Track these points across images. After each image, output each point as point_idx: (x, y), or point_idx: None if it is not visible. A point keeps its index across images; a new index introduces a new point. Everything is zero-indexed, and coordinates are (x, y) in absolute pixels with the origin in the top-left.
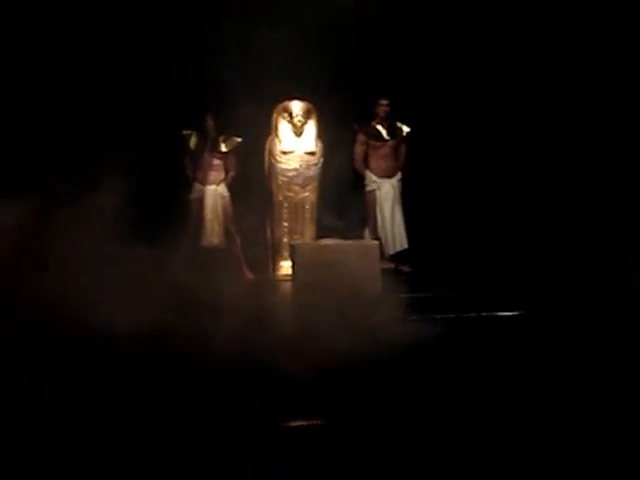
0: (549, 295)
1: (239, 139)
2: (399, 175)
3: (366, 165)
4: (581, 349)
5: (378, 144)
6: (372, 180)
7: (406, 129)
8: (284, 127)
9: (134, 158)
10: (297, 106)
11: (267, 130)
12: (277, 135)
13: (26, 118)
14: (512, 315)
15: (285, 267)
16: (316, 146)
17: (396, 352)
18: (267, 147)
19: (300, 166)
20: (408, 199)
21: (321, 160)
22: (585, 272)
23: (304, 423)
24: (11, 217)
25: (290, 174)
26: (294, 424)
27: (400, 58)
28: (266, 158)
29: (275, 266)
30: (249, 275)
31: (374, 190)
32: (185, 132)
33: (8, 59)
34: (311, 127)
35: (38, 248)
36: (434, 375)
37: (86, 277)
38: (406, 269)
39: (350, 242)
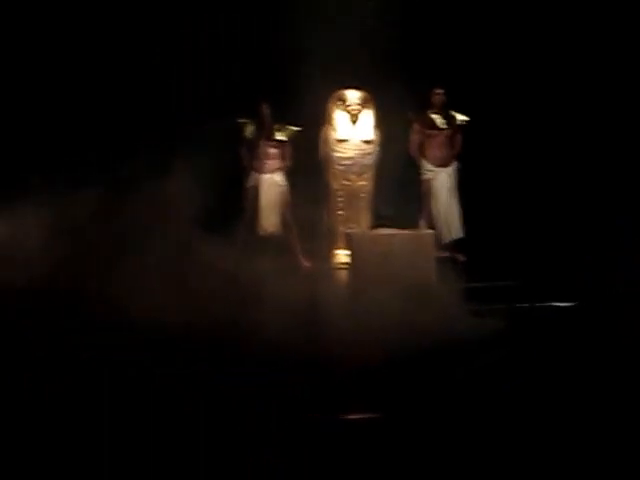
0: (604, 286)
1: (295, 128)
2: (455, 164)
3: (422, 154)
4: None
5: (434, 133)
6: (428, 169)
7: (461, 118)
8: (339, 115)
9: (190, 148)
10: (352, 95)
11: (323, 119)
12: (332, 123)
13: (88, 106)
14: (567, 306)
15: (341, 255)
16: (374, 135)
17: (451, 343)
18: (322, 136)
19: (356, 154)
20: (464, 188)
21: (377, 149)
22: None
23: (363, 416)
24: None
25: (346, 162)
26: (353, 417)
27: (457, 46)
28: (321, 147)
29: (331, 254)
30: (305, 263)
31: (430, 179)
32: (241, 121)
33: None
34: (368, 116)
35: (102, 235)
36: (489, 366)
37: (143, 266)
38: (461, 258)
39: (406, 231)
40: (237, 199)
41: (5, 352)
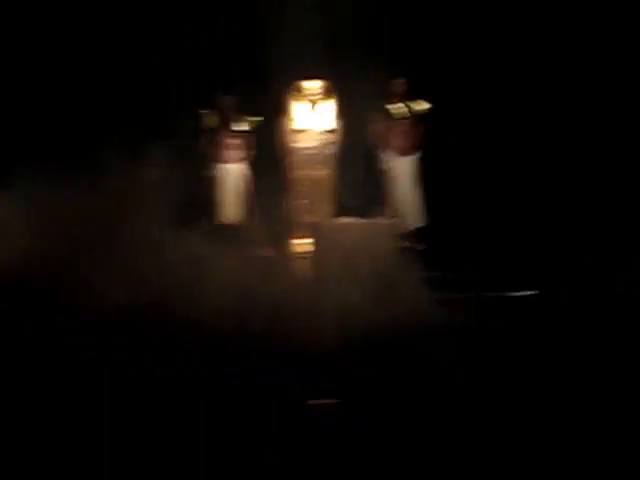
0: (563, 275)
1: (258, 118)
2: (417, 153)
3: (384, 143)
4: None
5: (396, 122)
6: (389, 158)
7: (424, 106)
8: (297, 106)
9: (155, 138)
10: (310, 84)
11: (284, 109)
12: (288, 114)
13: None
14: (526, 295)
15: (303, 244)
16: (336, 124)
17: (412, 331)
18: (279, 127)
19: (318, 144)
20: (426, 177)
21: (340, 138)
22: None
23: (323, 402)
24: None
25: (308, 152)
26: (313, 403)
27: (420, 36)
28: (278, 138)
29: (292, 243)
30: (267, 252)
31: (391, 168)
32: (202, 111)
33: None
34: (330, 105)
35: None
36: (449, 354)
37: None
38: (420, 247)
39: (368, 220)
40: (200, 189)
41: None
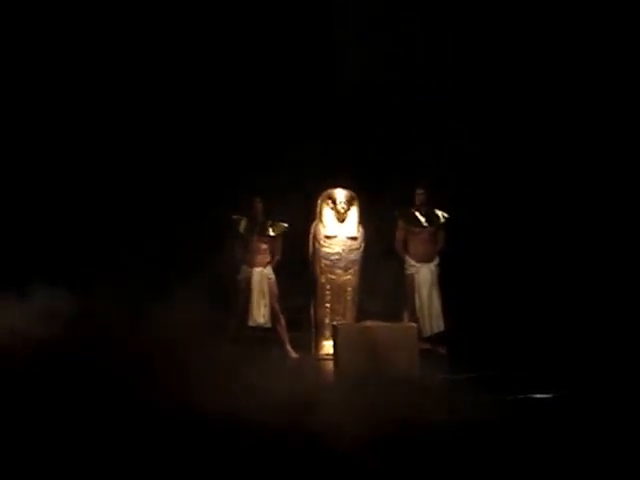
0: (587, 376)
1: (285, 224)
2: (437, 260)
3: (406, 250)
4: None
5: (417, 230)
6: (411, 264)
7: (444, 216)
8: (328, 213)
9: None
10: (341, 194)
11: (311, 216)
12: (321, 220)
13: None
14: (549, 397)
15: (327, 347)
16: (358, 231)
17: (435, 433)
18: (312, 232)
19: (343, 250)
20: (445, 283)
21: (362, 245)
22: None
23: None
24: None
25: (333, 258)
26: None
27: (438, 147)
28: (310, 242)
29: (317, 346)
30: (292, 354)
31: (413, 274)
32: (235, 217)
33: None
34: (353, 213)
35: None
36: (471, 456)
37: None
38: (442, 351)
39: (389, 324)
40: (228, 291)
41: None
